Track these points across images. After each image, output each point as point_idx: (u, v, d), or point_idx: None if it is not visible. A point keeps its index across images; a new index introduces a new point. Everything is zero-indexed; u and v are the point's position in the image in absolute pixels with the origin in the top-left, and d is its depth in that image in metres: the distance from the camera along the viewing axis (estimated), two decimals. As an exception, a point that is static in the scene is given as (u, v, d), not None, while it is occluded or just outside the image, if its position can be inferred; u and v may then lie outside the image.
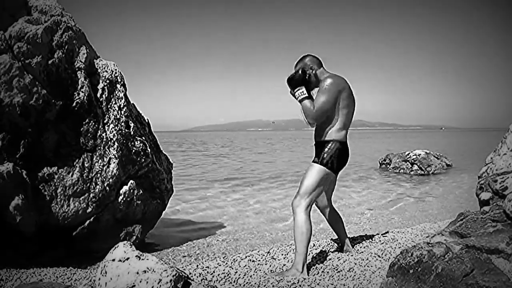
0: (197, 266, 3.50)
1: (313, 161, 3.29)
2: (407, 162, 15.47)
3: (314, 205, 3.80)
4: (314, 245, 4.15)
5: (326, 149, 3.25)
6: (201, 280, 3.19)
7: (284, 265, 3.53)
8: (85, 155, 4.73)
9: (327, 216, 3.77)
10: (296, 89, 3.27)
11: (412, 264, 2.27)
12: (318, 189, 3.24)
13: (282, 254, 3.85)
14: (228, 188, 11.65)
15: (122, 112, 5.15)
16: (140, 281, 2.09)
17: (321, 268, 3.34)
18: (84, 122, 4.77)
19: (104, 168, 4.81)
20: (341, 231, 3.82)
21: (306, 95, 3.24)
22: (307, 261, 3.37)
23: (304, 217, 3.17)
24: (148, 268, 2.13)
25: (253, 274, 3.30)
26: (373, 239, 4.35)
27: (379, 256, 3.56)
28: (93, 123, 4.83)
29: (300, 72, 3.30)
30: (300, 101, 3.25)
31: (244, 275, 3.28)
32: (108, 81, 5.14)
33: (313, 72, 3.34)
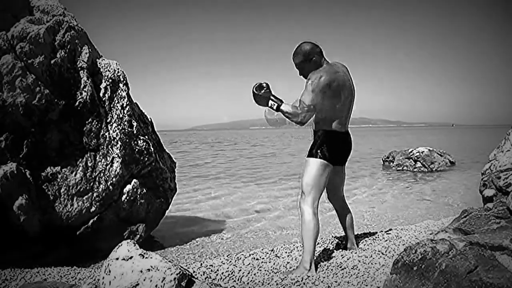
0: (201, 264, 3.51)
1: (307, 156, 3.29)
2: (410, 159, 15.44)
3: (327, 199, 3.79)
4: (318, 242, 4.15)
5: (314, 141, 3.26)
6: (205, 278, 3.19)
7: (288, 263, 3.53)
8: (88, 155, 4.74)
9: (338, 211, 3.77)
10: (268, 103, 3.10)
11: (416, 261, 2.26)
12: (318, 183, 3.21)
13: (286, 252, 3.85)
14: (232, 187, 11.65)
15: (125, 111, 5.15)
16: (144, 280, 2.09)
17: (325, 265, 3.34)
18: (87, 122, 4.78)
19: (108, 167, 4.82)
20: (349, 228, 3.80)
21: (278, 102, 3.07)
22: (311, 259, 3.36)
23: (310, 215, 3.15)
24: (152, 267, 2.13)
25: (257, 272, 3.30)
26: (377, 236, 4.34)
27: (382, 253, 3.55)
28: (96, 123, 4.84)
29: (254, 90, 3.11)
30: (277, 110, 3.07)
31: (248, 273, 3.28)
32: (110, 81, 5.15)
33: (313, 63, 3.23)
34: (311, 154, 3.24)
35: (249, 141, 51.39)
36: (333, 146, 3.25)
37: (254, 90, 3.12)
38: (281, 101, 3.09)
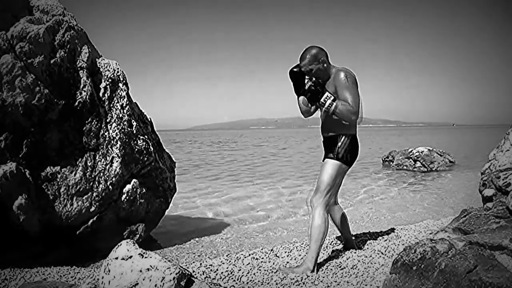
0: (201, 264, 3.51)
1: (328, 157, 3.26)
2: (410, 159, 15.45)
3: None
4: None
5: (339, 144, 3.22)
6: (205, 278, 3.19)
7: (287, 262, 3.53)
8: (88, 154, 4.74)
9: (332, 212, 3.76)
10: (322, 99, 3.06)
11: (415, 260, 2.26)
12: (336, 185, 3.25)
13: (286, 252, 3.85)
14: (233, 186, 11.65)
15: (125, 111, 5.15)
16: (144, 279, 2.09)
17: (324, 265, 3.34)
18: (86, 121, 4.77)
19: (107, 167, 4.82)
20: (345, 228, 3.81)
21: (333, 98, 3.04)
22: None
23: (323, 217, 3.16)
24: (151, 266, 2.14)
25: (257, 272, 3.30)
26: (376, 236, 4.35)
27: (382, 253, 3.55)
28: (96, 122, 4.84)
29: (312, 84, 3.12)
30: (332, 106, 3.03)
31: (248, 272, 3.28)
32: (110, 80, 5.15)
33: (323, 65, 3.19)
34: (336, 157, 3.21)
35: (251, 141, 51.41)
36: (355, 151, 3.28)
37: (313, 86, 3.11)
38: (335, 99, 3.05)
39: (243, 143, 44.03)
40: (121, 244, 2.27)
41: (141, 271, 2.12)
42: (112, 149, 4.89)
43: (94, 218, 4.76)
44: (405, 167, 15.31)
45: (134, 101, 5.64)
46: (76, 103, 4.71)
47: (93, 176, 4.71)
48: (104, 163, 4.82)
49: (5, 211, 3.98)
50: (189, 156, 24.54)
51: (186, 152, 28.72)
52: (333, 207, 3.71)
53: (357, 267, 3.23)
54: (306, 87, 3.14)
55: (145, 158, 5.25)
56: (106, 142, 4.88)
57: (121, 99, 5.18)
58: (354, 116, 3.01)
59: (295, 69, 3.18)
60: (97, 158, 4.79)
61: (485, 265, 2.10)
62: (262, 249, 4.01)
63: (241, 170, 16.17)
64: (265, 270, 3.35)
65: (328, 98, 3.04)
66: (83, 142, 4.73)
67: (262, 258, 3.69)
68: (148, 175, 5.39)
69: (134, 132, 5.20)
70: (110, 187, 4.82)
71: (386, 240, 4.09)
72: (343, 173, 3.26)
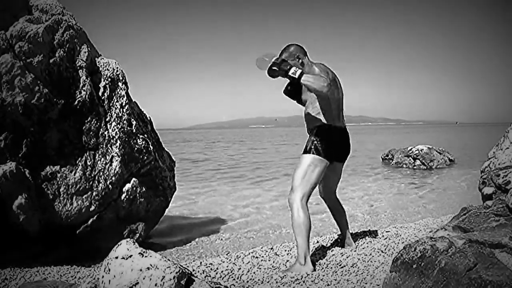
0: (201, 263, 3.51)
1: (302, 152, 3.30)
2: (410, 157, 15.45)
3: (319, 196, 3.81)
4: (317, 241, 4.16)
5: (310, 137, 3.26)
6: (205, 276, 3.20)
7: (287, 261, 3.54)
8: (87, 154, 4.73)
9: (330, 207, 3.77)
10: (288, 69, 3.07)
11: (415, 259, 2.26)
12: (309, 179, 3.20)
13: (286, 251, 3.86)
14: (233, 186, 11.65)
15: (124, 110, 5.15)
16: (144, 278, 2.09)
17: (324, 263, 3.35)
18: (86, 121, 4.77)
19: (107, 166, 4.82)
20: (343, 224, 3.81)
21: (301, 69, 3.09)
22: (311, 256, 3.36)
23: (299, 210, 3.15)
24: (151, 265, 2.14)
25: (257, 271, 3.31)
26: (376, 234, 4.35)
27: (382, 251, 3.56)
28: (95, 121, 4.84)
29: (279, 58, 3.17)
30: (300, 77, 3.03)
31: (248, 271, 3.29)
32: (109, 79, 5.14)
33: (300, 61, 3.30)
34: (306, 150, 3.25)
35: (252, 140, 51.41)
36: (329, 141, 3.24)
37: (282, 64, 3.12)
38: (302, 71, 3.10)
39: (242, 143, 44.01)
40: (121, 243, 2.27)
41: (141, 270, 2.12)
42: (112, 148, 4.89)
43: (94, 218, 4.76)
44: (404, 165, 15.31)
45: (133, 100, 5.64)
46: (76, 102, 4.71)
47: (92, 175, 4.71)
48: (104, 162, 4.81)
49: (5, 211, 3.98)
50: (186, 156, 24.54)
51: (184, 152, 28.71)
52: (331, 201, 3.73)
53: (357, 265, 3.24)
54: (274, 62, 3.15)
55: (145, 157, 5.25)
56: (106, 141, 4.88)
57: (121, 98, 5.18)
58: (324, 83, 2.96)
59: (275, 63, 3.15)
60: (96, 157, 4.79)
61: (485, 263, 2.11)
62: (262, 248, 4.01)
63: (240, 170, 16.17)
64: (265, 269, 3.35)
65: (297, 70, 3.06)
66: (83, 141, 4.73)
67: (262, 256, 3.69)
68: (147, 174, 5.39)
69: (134, 131, 5.20)
70: (110, 186, 4.82)
71: (386, 238, 4.09)
72: (316, 166, 3.20)
